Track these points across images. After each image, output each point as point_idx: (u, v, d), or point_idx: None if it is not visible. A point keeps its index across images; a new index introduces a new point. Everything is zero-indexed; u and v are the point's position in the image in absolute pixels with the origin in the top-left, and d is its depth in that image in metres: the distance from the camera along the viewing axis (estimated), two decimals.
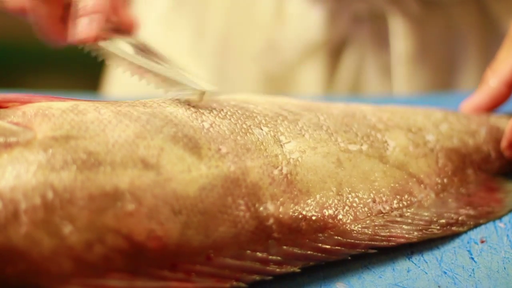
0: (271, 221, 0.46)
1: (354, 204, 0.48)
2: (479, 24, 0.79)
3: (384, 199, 0.49)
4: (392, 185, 0.50)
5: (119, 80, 0.88)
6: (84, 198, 0.42)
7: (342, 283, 0.45)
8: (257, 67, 0.80)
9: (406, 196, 0.50)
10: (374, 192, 0.49)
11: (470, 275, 0.45)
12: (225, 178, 0.46)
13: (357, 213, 0.48)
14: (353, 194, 0.49)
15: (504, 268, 0.45)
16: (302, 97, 0.69)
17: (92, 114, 0.46)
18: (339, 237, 0.47)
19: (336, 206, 0.48)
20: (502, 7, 0.78)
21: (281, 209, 0.46)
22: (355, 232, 0.47)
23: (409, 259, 0.47)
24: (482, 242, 0.48)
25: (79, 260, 0.41)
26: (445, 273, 0.45)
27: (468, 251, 0.47)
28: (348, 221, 0.48)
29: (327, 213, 0.47)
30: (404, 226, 0.48)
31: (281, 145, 0.49)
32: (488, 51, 0.80)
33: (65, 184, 0.42)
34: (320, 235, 0.46)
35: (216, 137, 0.47)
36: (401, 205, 0.50)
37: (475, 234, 0.49)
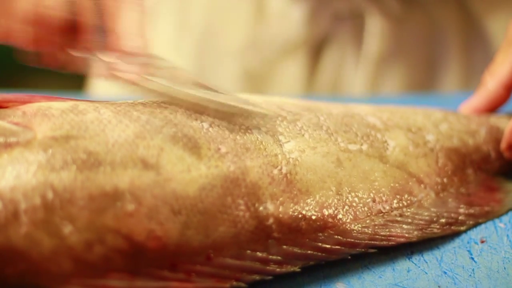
0: (270, 220, 0.46)
1: (354, 204, 0.48)
2: (460, 23, 0.79)
3: (384, 198, 0.49)
4: (392, 184, 0.50)
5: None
6: (84, 198, 0.42)
7: (342, 283, 0.45)
8: (238, 65, 0.80)
9: (406, 196, 0.50)
10: (374, 191, 0.49)
11: (470, 275, 0.45)
12: (225, 178, 0.46)
13: (357, 213, 0.48)
14: (353, 194, 0.49)
15: (504, 268, 0.45)
16: (282, 95, 0.69)
17: (92, 114, 0.46)
18: (339, 237, 0.47)
19: (336, 205, 0.48)
20: (482, 6, 0.78)
21: (280, 209, 0.46)
22: (355, 231, 0.47)
23: (409, 259, 0.47)
24: (482, 242, 0.48)
25: (79, 260, 0.41)
26: (445, 273, 0.45)
27: (468, 251, 0.47)
28: (348, 220, 0.48)
29: (327, 213, 0.47)
30: (404, 225, 0.48)
31: (280, 145, 0.49)
32: (469, 51, 0.80)
33: (65, 184, 0.42)
34: (320, 234, 0.46)
35: (216, 137, 0.47)
36: (401, 204, 0.50)
37: (475, 234, 0.49)
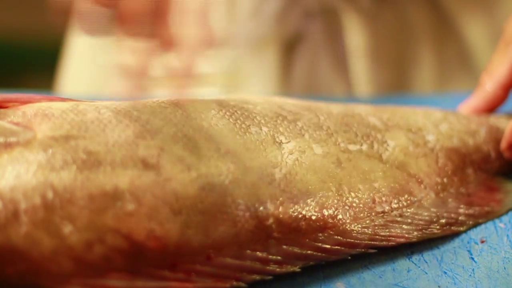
0: (270, 220, 0.46)
1: (354, 204, 0.48)
2: (433, 21, 0.79)
3: (384, 199, 0.49)
4: (392, 185, 0.50)
5: (73, 78, 0.88)
6: (84, 198, 0.42)
7: (342, 283, 0.45)
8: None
9: (406, 196, 0.50)
10: (374, 192, 0.49)
11: (470, 275, 0.45)
12: (225, 178, 0.46)
13: (357, 213, 0.48)
14: (353, 194, 0.49)
15: (504, 268, 0.45)
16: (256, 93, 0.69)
17: (92, 114, 0.46)
18: (339, 237, 0.47)
19: (336, 206, 0.48)
20: (455, 4, 0.78)
21: (280, 209, 0.46)
22: (355, 232, 0.47)
23: (409, 259, 0.47)
24: (482, 242, 0.48)
25: (79, 260, 0.41)
26: (445, 273, 0.45)
27: (468, 251, 0.47)
28: (348, 221, 0.48)
29: (327, 213, 0.47)
30: (404, 226, 0.48)
31: (280, 145, 0.49)
32: (442, 49, 0.79)
33: (65, 184, 0.42)
34: (320, 234, 0.46)
35: (216, 136, 0.47)
36: (401, 205, 0.50)
37: (475, 234, 0.49)
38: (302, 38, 0.78)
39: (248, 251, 0.44)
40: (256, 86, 0.79)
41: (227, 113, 0.49)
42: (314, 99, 0.58)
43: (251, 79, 0.79)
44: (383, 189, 0.50)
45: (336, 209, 0.48)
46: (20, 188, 0.41)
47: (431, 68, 0.80)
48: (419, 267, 0.46)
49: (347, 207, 0.48)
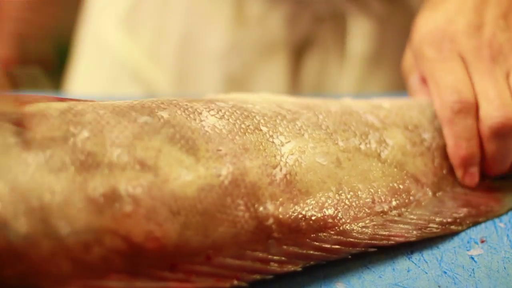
0: (270, 221, 0.46)
1: (354, 204, 0.48)
2: None
3: (383, 198, 0.49)
4: (390, 184, 0.50)
5: (82, 78, 0.88)
6: (81, 199, 0.42)
7: (342, 283, 0.45)
8: (218, 69, 0.80)
9: (404, 195, 0.50)
10: (373, 191, 0.49)
11: (470, 275, 0.45)
12: (224, 179, 0.46)
13: (357, 213, 0.48)
14: (352, 194, 0.49)
15: (504, 268, 0.45)
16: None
17: (90, 115, 0.46)
18: (339, 237, 0.47)
19: (335, 205, 0.48)
20: None
21: (280, 209, 0.46)
22: (354, 231, 0.47)
23: (409, 259, 0.47)
24: (482, 242, 0.48)
25: (77, 261, 0.41)
26: (445, 273, 0.45)
27: (468, 251, 0.47)
28: (348, 220, 0.48)
29: (327, 213, 0.47)
30: (402, 225, 0.48)
31: (280, 145, 0.49)
32: None
33: (63, 186, 0.42)
34: (320, 234, 0.46)
35: (214, 137, 0.47)
36: (399, 204, 0.50)
37: (475, 234, 0.49)
38: (312, 43, 0.78)
39: (248, 252, 0.44)
40: (266, 90, 0.79)
41: (226, 113, 0.49)
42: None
43: (260, 84, 0.79)
44: (382, 188, 0.50)
45: (336, 209, 0.48)
46: (18, 189, 0.41)
47: None
48: (419, 267, 0.46)
49: (346, 207, 0.48)
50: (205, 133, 0.47)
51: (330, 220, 0.47)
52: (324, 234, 0.47)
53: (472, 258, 0.47)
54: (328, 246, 0.46)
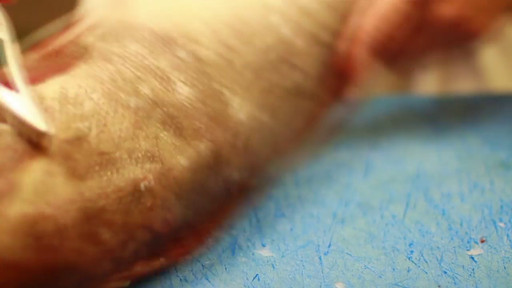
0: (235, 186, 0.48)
1: None
2: None
3: None
4: None
5: None
6: (113, 202, 0.42)
7: (342, 283, 0.45)
8: None
9: None
10: None
11: (470, 275, 0.45)
12: (206, 156, 0.47)
13: None
14: None
15: (504, 268, 0.45)
16: None
17: (88, 104, 0.44)
18: None
19: None
20: None
21: (243, 176, 0.49)
22: None
23: (409, 259, 0.47)
24: (482, 241, 0.48)
25: (116, 259, 0.43)
26: (445, 272, 0.45)
27: (468, 250, 0.47)
28: None
29: None
30: None
31: (238, 110, 0.49)
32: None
33: (94, 192, 0.42)
34: None
35: (190, 111, 0.47)
36: None
37: (475, 234, 0.49)
38: None
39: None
40: None
41: (194, 80, 0.48)
42: None
43: None
44: None
45: None
46: (57, 203, 0.40)
47: (435, 70, 0.79)
48: (419, 267, 0.46)
49: None
50: (182, 107, 0.47)
51: None
52: None
53: (472, 258, 0.47)
54: None
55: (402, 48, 0.59)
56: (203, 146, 0.46)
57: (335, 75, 0.57)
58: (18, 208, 0.39)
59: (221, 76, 0.49)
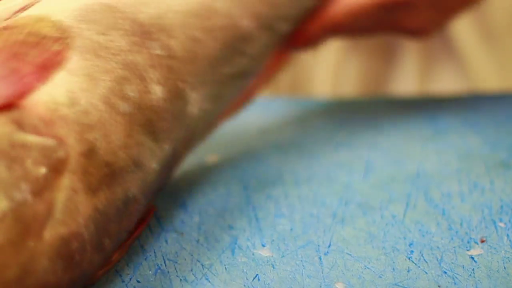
0: None
1: None
2: None
3: None
4: None
5: None
6: (114, 211, 0.42)
7: (342, 283, 0.45)
8: None
9: None
10: None
11: (470, 275, 0.45)
12: (169, 157, 0.47)
13: None
14: None
15: (504, 268, 0.45)
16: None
17: (93, 111, 0.42)
18: None
19: None
20: None
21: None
22: None
23: (409, 259, 0.47)
24: (482, 241, 0.48)
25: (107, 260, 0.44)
26: (445, 273, 0.45)
27: (468, 251, 0.47)
28: None
29: None
30: None
31: (193, 105, 0.49)
32: (426, 44, 0.78)
33: (103, 204, 0.41)
34: None
35: (162, 114, 0.46)
36: None
37: (475, 234, 0.49)
38: None
39: None
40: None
41: (161, 78, 0.46)
42: (299, 101, 0.58)
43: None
44: None
45: None
46: (82, 222, 0.40)
47: (414, 64, 0.79)
48: (419, 267, 0.46)
49: None
50: (157, 109, 0.45)
51: None
52: None
53: (472, 258, 0.47)
54: None
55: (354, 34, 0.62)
56: (167, 147, 0.46)
57: (277, 51, 0.58)
58: (55, 230, 0.38)
59: (186, 72, 0.48)
